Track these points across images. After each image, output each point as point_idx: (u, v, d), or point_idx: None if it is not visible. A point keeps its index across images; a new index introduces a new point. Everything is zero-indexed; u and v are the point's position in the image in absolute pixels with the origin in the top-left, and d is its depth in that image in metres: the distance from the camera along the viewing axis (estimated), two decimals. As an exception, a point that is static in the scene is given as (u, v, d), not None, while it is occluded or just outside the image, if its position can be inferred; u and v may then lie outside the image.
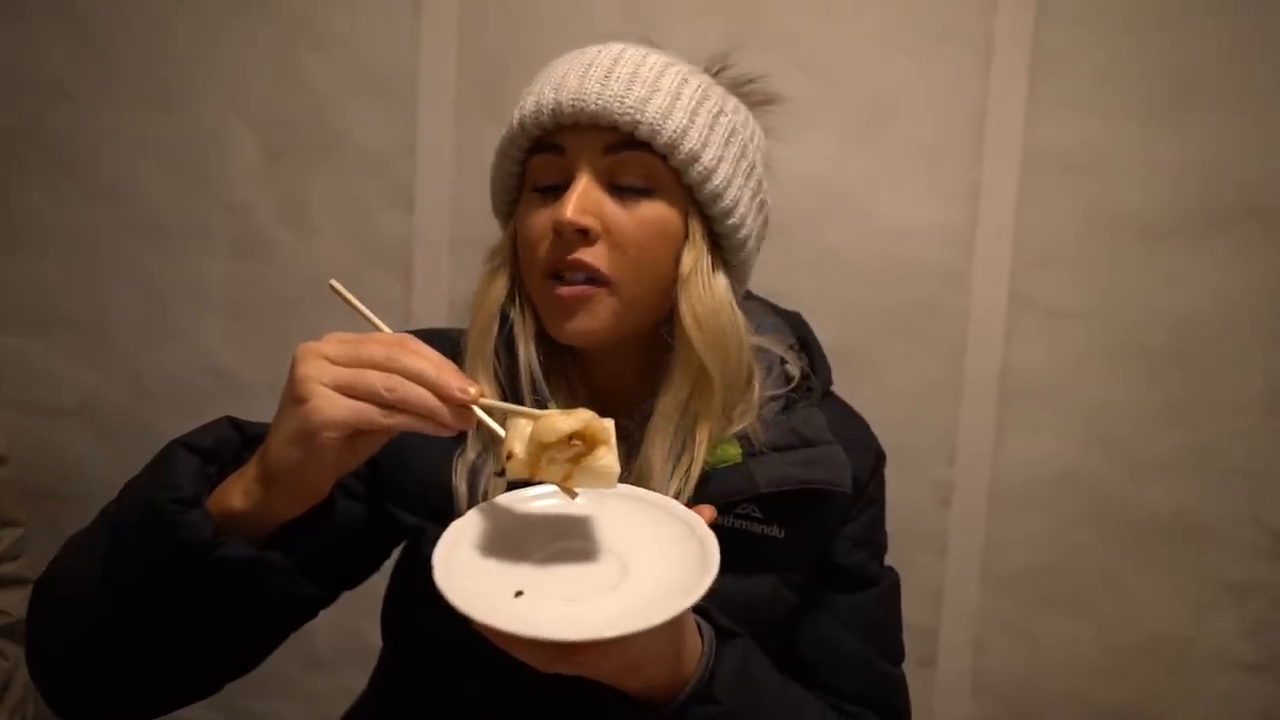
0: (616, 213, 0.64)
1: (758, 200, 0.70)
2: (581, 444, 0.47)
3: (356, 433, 0.47)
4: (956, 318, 1.25)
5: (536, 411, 0.49)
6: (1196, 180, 1.20)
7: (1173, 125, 1.20)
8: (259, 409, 0.56)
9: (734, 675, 0.58)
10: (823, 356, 0.77)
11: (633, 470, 0.66)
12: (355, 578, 0.71)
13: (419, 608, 0.65)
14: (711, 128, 0.66)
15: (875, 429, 0.83)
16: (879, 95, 1.23)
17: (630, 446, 0.67)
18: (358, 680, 0.87)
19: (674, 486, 0.64)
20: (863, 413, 0.81)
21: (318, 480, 0.48)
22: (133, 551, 0.50)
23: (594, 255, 0.63)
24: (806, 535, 0.69)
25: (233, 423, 0.56)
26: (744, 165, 0.69)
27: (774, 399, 0.70)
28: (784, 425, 0.69)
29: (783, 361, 0.72)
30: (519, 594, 0.46)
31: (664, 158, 0.64)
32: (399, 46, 1.26)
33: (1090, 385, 1.25)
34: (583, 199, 0.63)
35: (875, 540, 0.77)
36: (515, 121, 0.66)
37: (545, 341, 0.68)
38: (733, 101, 0.70)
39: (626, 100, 0.62)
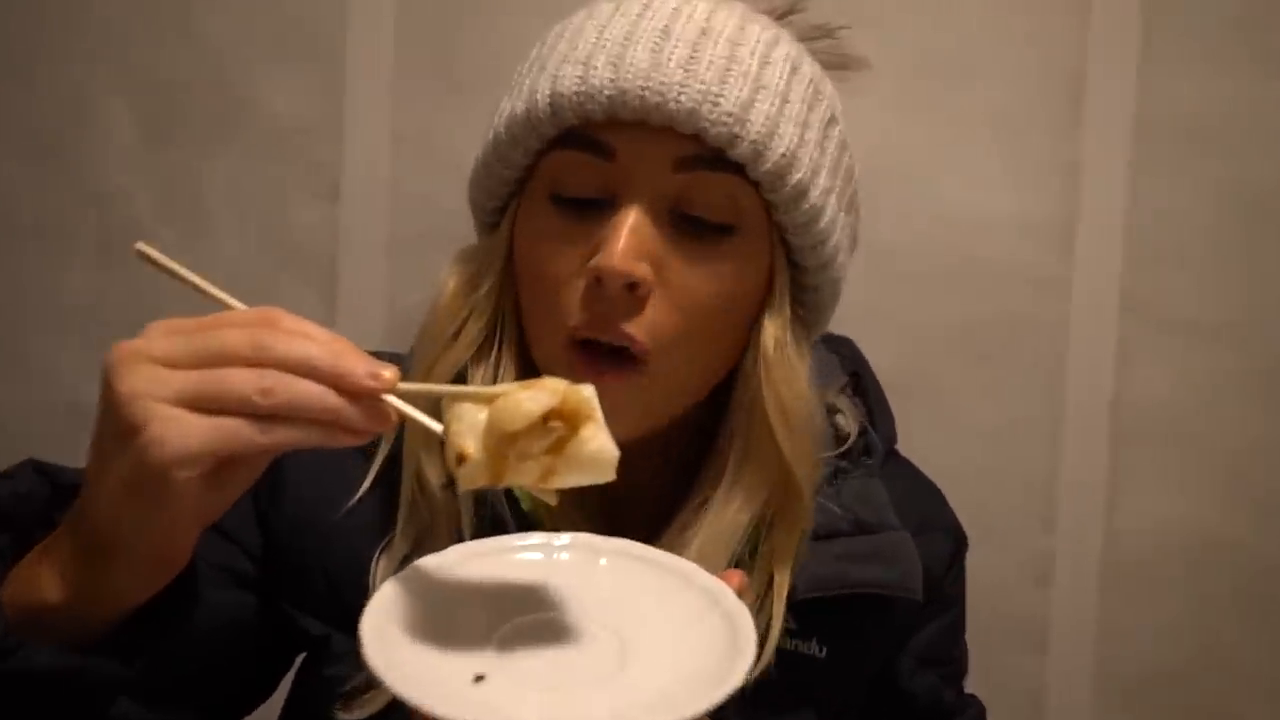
0: (678, 257, 0.58)
1: (853, 239, 0.66)
2: (561, 424, 0.44)
3: (222, 463, 0.41)
4: (1052, 336, 1.21)
5: (487, 390, 0.45)
6: (1358, 152, 1.19)
7: (1326, 83, 1.18)
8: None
9: None
10: (883, 402, 0.73)
11: None
12: (242, 701, 0.66)
13: None
14: (823, 145, 0.61)
15: (945, 486, 0.77)
16: (947, 51, 1.20)
17: None
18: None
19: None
20: (927, 464, 0.77)
21: (172, 542, 0.43)
22: None
23: (640, 322, 0.58)
24: (858, 654, 0.66)
25: (38, 469, 0.50)
26: (849, 192, 0.65)
27: (821, 464, 0.65)
28: (833, 502, 0.65)
29: (831, 411, 0.69)
30: (479, 679, 0.43)
31: (756, 184, 0.58)
32: (322, -5, 1.24)
33: (1230, 423, 1.21)
34: (637, 237, 0.57)
35: (952, 657, 0.74)
36: (543, 98, 0.58)
37: None
38: (829, 85, 0.64)
39: (722, 101, 0.56)
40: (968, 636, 0.79)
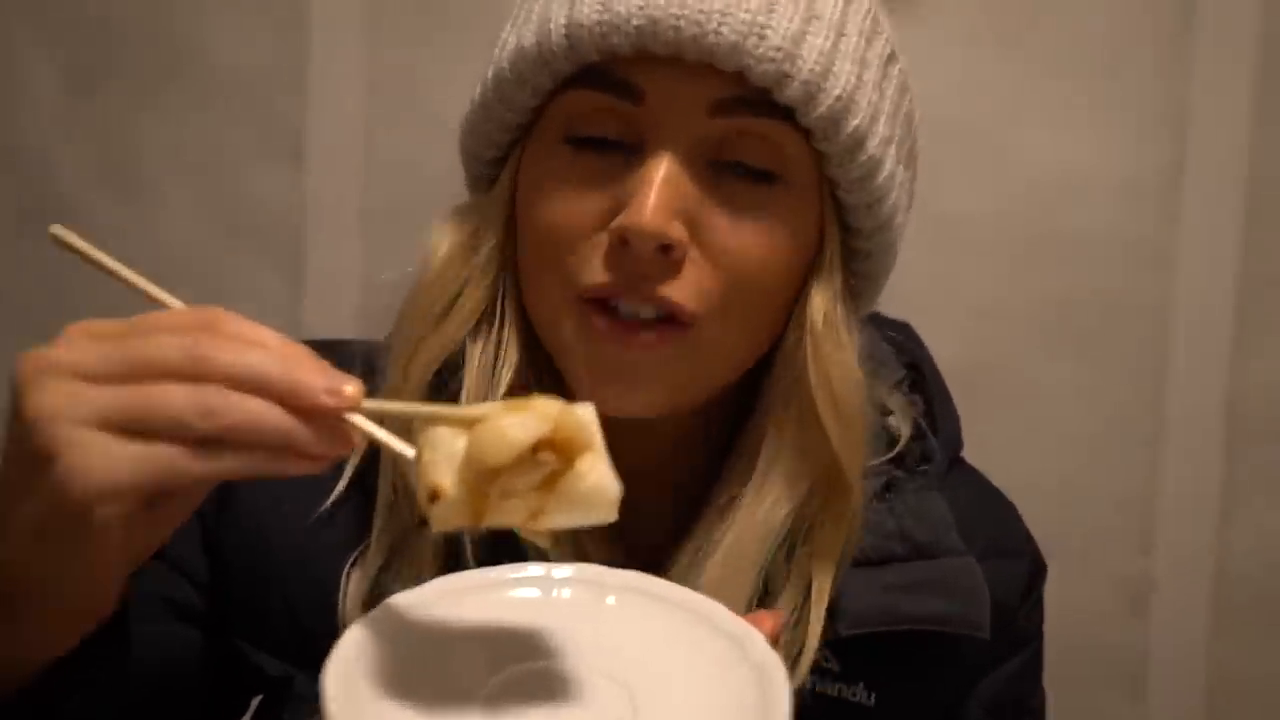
0: (717, 213, 0.58)
1: (910, 197, 0.66)
2: (554, 456, 0.44)
3: (154, 496, 0.41)
4: (1153, 318, 1.18)
5: (467, 411, 0.44)
6: None
7: None
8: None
9: None
10: (946, 401, 0.72)
11: None
12: None
13: None
14: (882, 86, 0.61)
15: (1024, 497, 0.75)
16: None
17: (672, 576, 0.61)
18: None
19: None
20: (1002, 472, 0.74)
21: (95, 588, 0.43)
22: None
23: (678, 286, 0.58)
24: (914, 702, 0.65)
25: None
26: (908, 143, 0.65)
27: (870, 472, 0.64)
28: (882, 520, 0.64)
29: (884, 411, 0.68)
30: None
31: (807, 131, 0.58)
32: (279, -83, 1.20)
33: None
34: (670, 191, 0.57)
35: (1028, 705, 0.72)
36: (558, 29, 0.58)
37: (530, 368, 0.62)
38: (885, 17, 0.64)
39: (770, 34, 0.56)
40: (1051, 674, 0.75)
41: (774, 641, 0.48)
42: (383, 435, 0.44)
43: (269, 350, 0.41)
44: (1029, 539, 0.74)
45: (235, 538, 0.65)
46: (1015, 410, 1.19)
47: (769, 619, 0.50)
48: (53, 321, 1.33)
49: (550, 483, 0.44)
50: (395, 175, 1.24)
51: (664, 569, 0.64)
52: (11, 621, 0.43)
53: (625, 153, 0.59)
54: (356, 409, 0.42)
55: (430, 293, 0.63)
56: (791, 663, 0.60)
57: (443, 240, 0.64)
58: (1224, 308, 1.19)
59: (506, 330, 0.63)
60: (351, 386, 0.41)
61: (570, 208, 0.59)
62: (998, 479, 0.77)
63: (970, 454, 0.76)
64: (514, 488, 0.44)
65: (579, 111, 0.59)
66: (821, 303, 0.61)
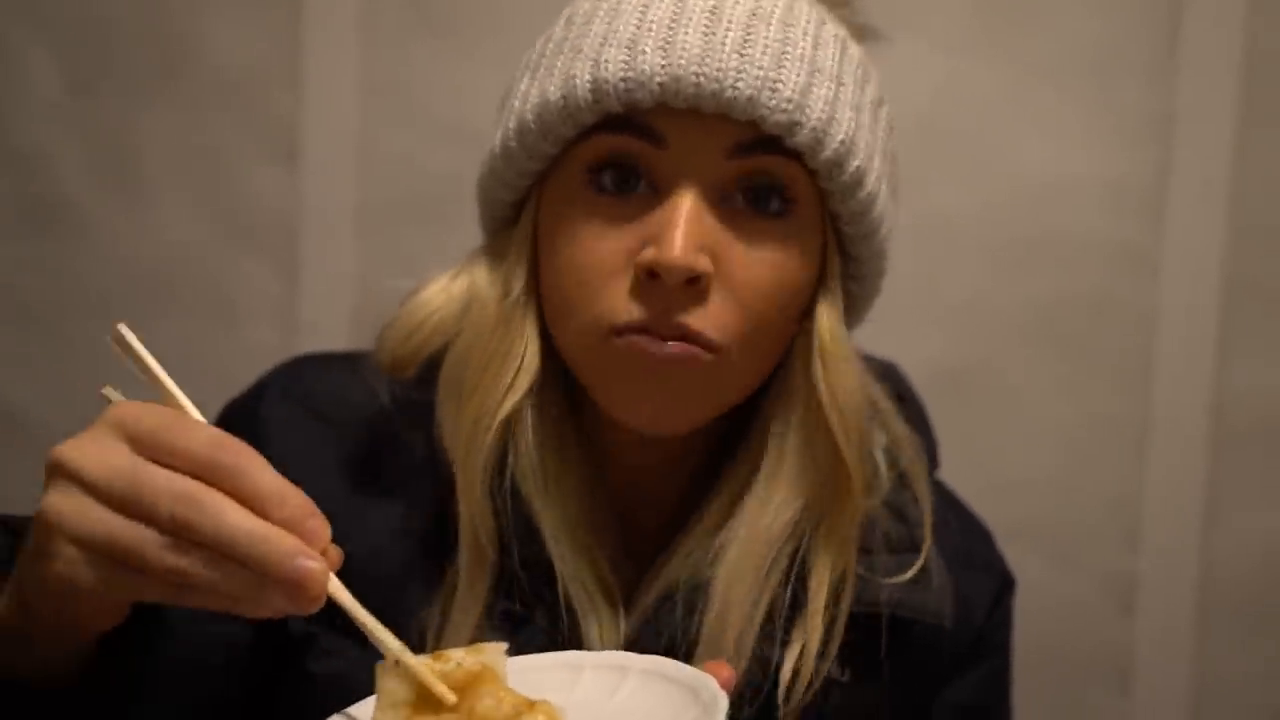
0: (735, 246, 0.62)
1: (894, 222, 0.70)
2: None
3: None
4: (1139, 320, 1.19)
5: (427, 666, 0.48)
6: None
7: None
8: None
9: None
10: (925, 426, 0.77)
11: (696, 632, 0.63)
12: None
13: None
14: (874, 129, 0.66)
15: (1012, 496, 0.81)
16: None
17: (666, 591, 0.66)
18: None
19: (786, 663, 0.64)
20: (994, 473, 0.81)
21: (94, 620, 0.48)
22: None
23: (705, 316, 0.61)
24: (881, 680, 0.68)
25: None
26: (896, 177, 0.70)
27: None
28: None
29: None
30: None
31: (813, 171, 0.63)
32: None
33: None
34: (695, 226, 0.61)
35: (994, 713, 0.76)
36: (583, 84, 0.62)
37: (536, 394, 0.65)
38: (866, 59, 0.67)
39: (780, 87, 0.61)
40: (1038, 670, 0.79)
41: (728, 687, 0.49)
42: (363, 616, 0.48)
43: (257, 510, 0.45)
44: (998, 556, 0.78)
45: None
46: (1000, 410, 1.21)
47: (724, 670, 0.52)
48: (51, 318, 1.34)
49: None
50: (390, 174, 1.25)
51: (665, 557, 0.68)
52: (32, 629, 0.49)
53: (646, 193, 0.63)
54: (324, 588, 0.45)
55: (483, 350, 0.66)
56: (803, 645, 0.66)
57: (482, 287, 0.68)
58: (1209, 310, 1.20)
59: (526, 352, 0.66)
60: (318, 563, 0.45)
61: (596, 248, 0.63)
62: (984, 477, 0.80)
63: (957, 453, 0.79)
64: None
65: (601, 154, 0.63)
66: (828, 322, 0.65)
